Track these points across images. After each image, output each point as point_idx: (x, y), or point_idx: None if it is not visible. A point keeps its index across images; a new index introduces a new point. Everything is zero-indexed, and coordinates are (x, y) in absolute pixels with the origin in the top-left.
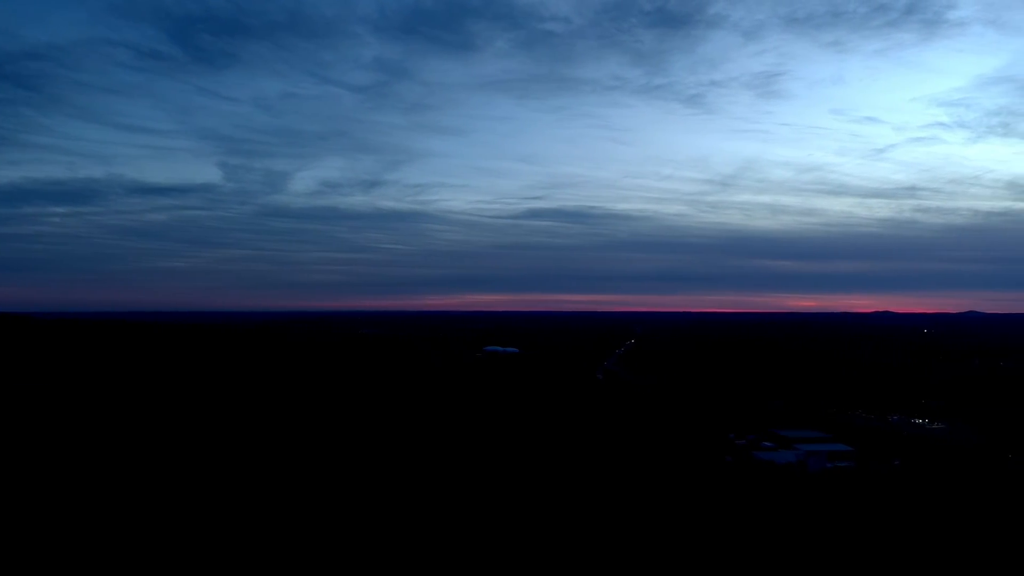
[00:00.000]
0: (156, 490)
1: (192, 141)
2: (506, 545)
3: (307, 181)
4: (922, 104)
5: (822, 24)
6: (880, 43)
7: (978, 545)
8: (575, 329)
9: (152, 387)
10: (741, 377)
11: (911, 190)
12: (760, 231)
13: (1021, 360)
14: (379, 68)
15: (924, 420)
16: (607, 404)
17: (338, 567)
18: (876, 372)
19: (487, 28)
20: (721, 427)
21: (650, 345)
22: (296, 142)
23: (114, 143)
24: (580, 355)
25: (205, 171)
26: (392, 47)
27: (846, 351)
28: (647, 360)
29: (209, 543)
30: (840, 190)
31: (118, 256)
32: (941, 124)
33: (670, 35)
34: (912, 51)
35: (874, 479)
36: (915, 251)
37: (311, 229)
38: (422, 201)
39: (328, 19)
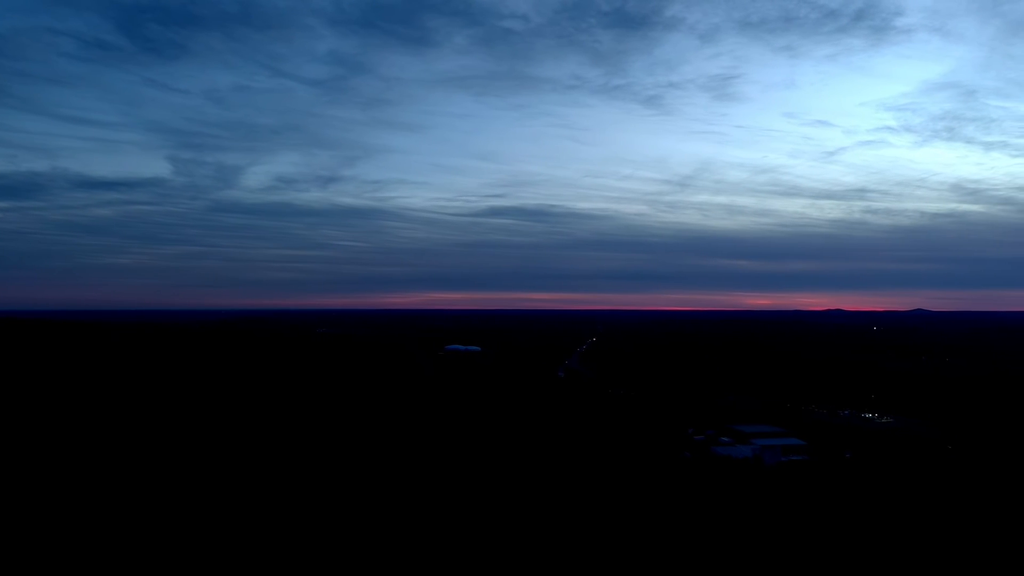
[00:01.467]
0: (107, 499)
1: (140, 134)
2: (469, 537)
3: (260, 176)
4: (871, 108)
5: (775, 29)
6: (831, 48)
7: (919, 528)
8: (537, 328)
9: (98, 391)
10: (699, 374)
11: (860, 192)
12: (717, 231)
13: (966, 357)
14: (335, 62)
15: (873, 414)
16: (569, 402)
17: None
18: (828, 368)
19: (445, 24)
20: (680, 423)
21: (611, 343)
22: (249, 136)
23: (58, 135)
24: (542, 353)
25: (154, 165)
26: (348, 41)
27: (800, 348)
28: (608, 358)
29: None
30: (793, 191)
31: (62, 252)
32: (889, 128)
33: (628, 36)
34: (861, 56)
35: (826, 471)
36: (865, 251)
37: (265, 225)
38: (381, 198)
39: (281, 11)
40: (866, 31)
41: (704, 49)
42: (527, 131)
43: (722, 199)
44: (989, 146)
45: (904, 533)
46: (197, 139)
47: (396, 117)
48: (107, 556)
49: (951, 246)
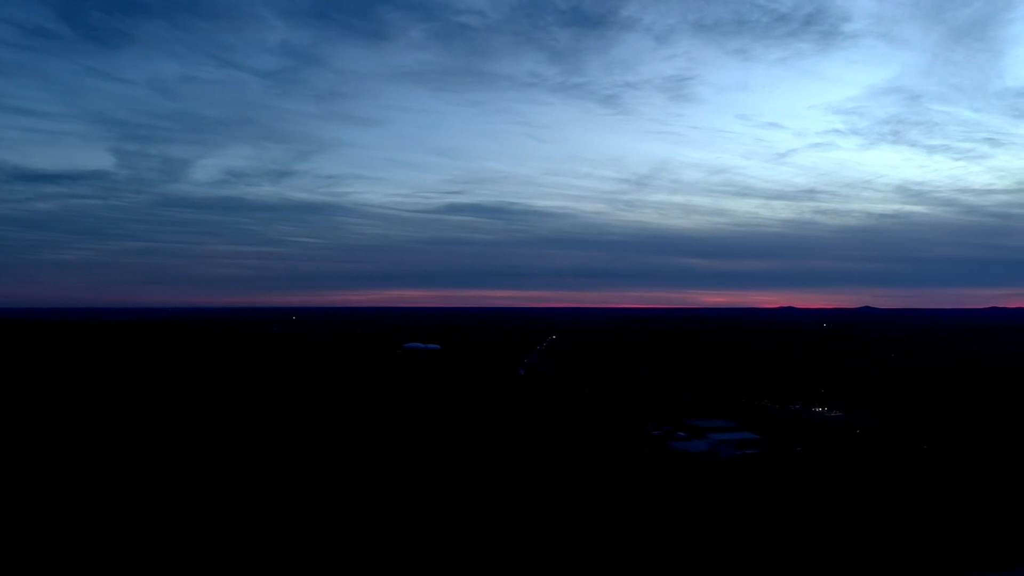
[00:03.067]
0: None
1: (82, 125)
2: (423, 533)
3: (210, 169)
4: (820, 111)
5: (728, 31)
6: (781, 52)
7: (859, 518)
8: (496, 326)
9: (36, 394)
10: (657, 370)
11: (810, 193)
12: (674, 230)
13: (910, 353)
14: (286, 53)
15: (823, 409)
16: (529, 399)
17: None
18: (781, 364)
19: (401, 17)
20: (639, 419)
21: (571, 341)
22: (197, 128)
23: None
24: (502, 351)
25: (97, 157)
26: (300, 32)
27: (753, 344)
28: (568, 356)
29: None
30: (746, 191)
31: (1, 248)
32: (837, 131)
33: (585, 35)
34: (811, 61)
35: (778, 465)
36: (815, 251)
37: (215, 220)
38: (336, 193)
39: (230, 0)
40: (815, 36)
41: (660, 50)
42: (486, 128)
43: (678, 199)
44: (932, 149)
45: (843, 518)
46: (142, 131)
47: (351, 111)
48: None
49: (896, 246)
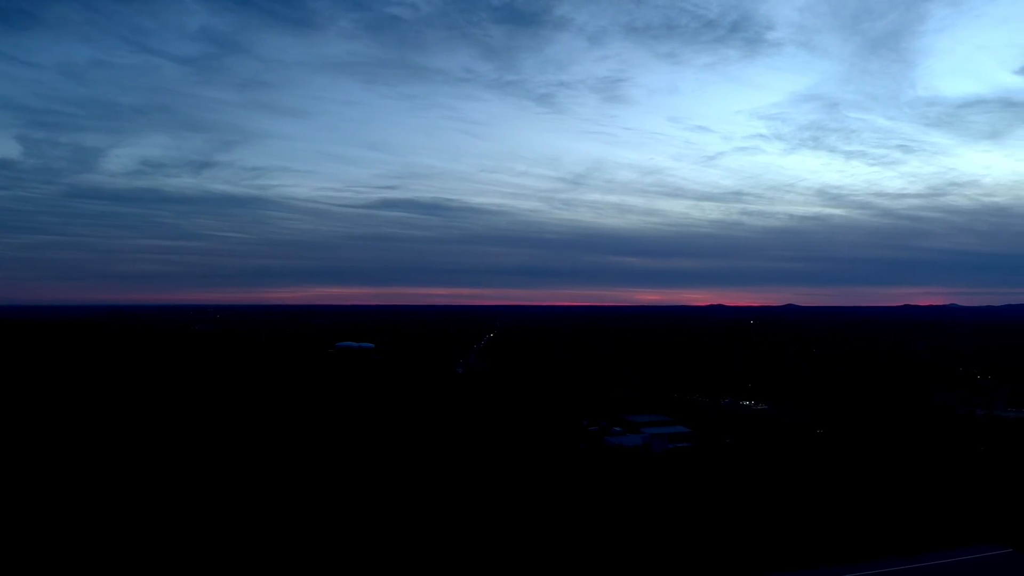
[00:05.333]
0: None
1: None
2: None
3: (124, 159)
4: (745, 116)
5: (659, 35)
6: (709, 57)
7: (784, 502)
8: (433, 324)
9: None
10: (594, 367)
11: (737, 195)
12: (609, 229)
13: (829, 348)
14: (207, 39)
15: (751, 401)
16: (467, 397)
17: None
18: (711, 359)
19: (328, 6)
20: (576, 415)
21: (509, 338)
22: (110, 115)
23: None
24: (439, 350)
25: (2, 145)
26: (221, 17)
27: (685, 340)
28: (507, 353)
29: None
30: (677, 192)
31: None
32: (761, 136)
33: (519, 32)
34: (736, 67)
35: (708, 456)
36: (742, 250)
37: (130, 213)
38: (261, 186)
39: None
40: (741, 43)
41: (592, 51)
42: (420, 122)
43: (613, 198)
44: (849, 155)
45: (764, 503)
46: (51, 117)
47: (277, 101)
48: None
49: (817, 246)
